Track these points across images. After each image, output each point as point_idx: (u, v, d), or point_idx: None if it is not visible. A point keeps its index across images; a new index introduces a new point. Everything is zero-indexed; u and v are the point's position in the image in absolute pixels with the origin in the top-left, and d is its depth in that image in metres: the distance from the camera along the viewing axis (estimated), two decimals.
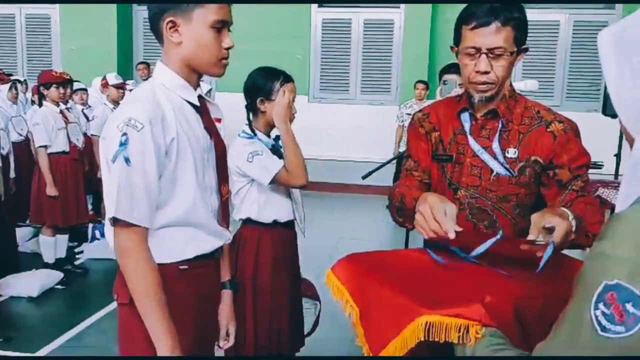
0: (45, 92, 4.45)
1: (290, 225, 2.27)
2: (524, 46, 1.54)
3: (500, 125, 1.58)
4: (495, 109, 1.57)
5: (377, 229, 6.05)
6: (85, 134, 5.05)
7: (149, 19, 1.49)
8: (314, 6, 8.54)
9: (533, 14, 8.08)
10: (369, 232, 6.02)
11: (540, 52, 7.99)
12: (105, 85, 5.60)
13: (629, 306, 0.64)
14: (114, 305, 3.83)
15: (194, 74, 1.50)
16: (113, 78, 5.55)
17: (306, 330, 2.46)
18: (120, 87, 5.52)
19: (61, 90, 4.47)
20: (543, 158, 1.55)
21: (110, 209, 1.38)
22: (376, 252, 1.43)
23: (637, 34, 0.77)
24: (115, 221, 1.39)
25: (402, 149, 7.07)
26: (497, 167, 1.57)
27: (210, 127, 1.54)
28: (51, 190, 4.33)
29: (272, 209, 2.18)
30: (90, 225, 5.16)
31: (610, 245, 0.68)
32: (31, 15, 9.32)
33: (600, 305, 0.66)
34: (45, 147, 4.37)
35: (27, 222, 5.07)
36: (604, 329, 0.66)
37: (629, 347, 0.64)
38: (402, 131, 7.21)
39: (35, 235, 5.04)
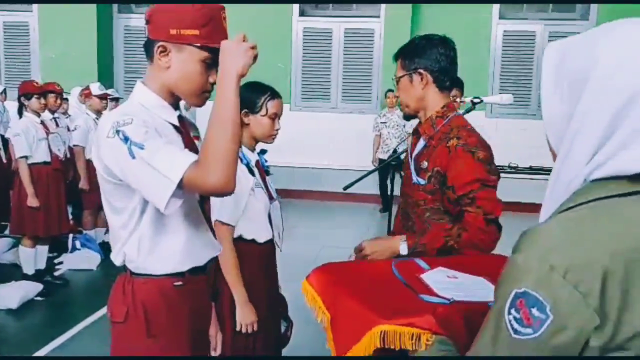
0: (25, 102, 4.43)
1: (269, 241, 2.24)
2: (417, 69, 1.83)
3: (422, 143, 1.88)
4: (416, 129, 1.92)
5: (359, 237, 6.06)
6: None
7: (147, 35, 1.46)
8: (295, 15, 8.60)
9: (509, 25, 8.29)
10: (351, 240, 6.01)
11: (516, 62, 8.15)
12: (88, 95, 5.47)
13: (534, 310, 0.73)
14: (95, 316, 3.85)
15: (173, 97, 1.50)
16: (96, 88, 5.42)
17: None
18: (104, 97, 5.42)
19: (42, 100, 4.45)
20: (441, 169, 1.80)
21: (168, 182, 1.28)
22: (347, 262, 1.57)
23: (573, 58, 0.81)
24: (175, 188, 1.29)
25: (380, 155, 7.34)
26: (414, 177, 1.87)
27: (191, 146, 1.54)
28: (32, 201, 4.31)
29: (250, 226, 2.14)
30: (71, 236, 5.11)
31: (520, 257, 0.76)
32: (9, 22, 9.22)
33: (512, 311, 0.75)
34: (26, 157, 4.34)
35: (6, 232, 5.01)
36: (516, 331, 0.75)
37: (538, 346, 0.73)
38: (379, 140, 7.45)
39: (15, 246, 4.99)
